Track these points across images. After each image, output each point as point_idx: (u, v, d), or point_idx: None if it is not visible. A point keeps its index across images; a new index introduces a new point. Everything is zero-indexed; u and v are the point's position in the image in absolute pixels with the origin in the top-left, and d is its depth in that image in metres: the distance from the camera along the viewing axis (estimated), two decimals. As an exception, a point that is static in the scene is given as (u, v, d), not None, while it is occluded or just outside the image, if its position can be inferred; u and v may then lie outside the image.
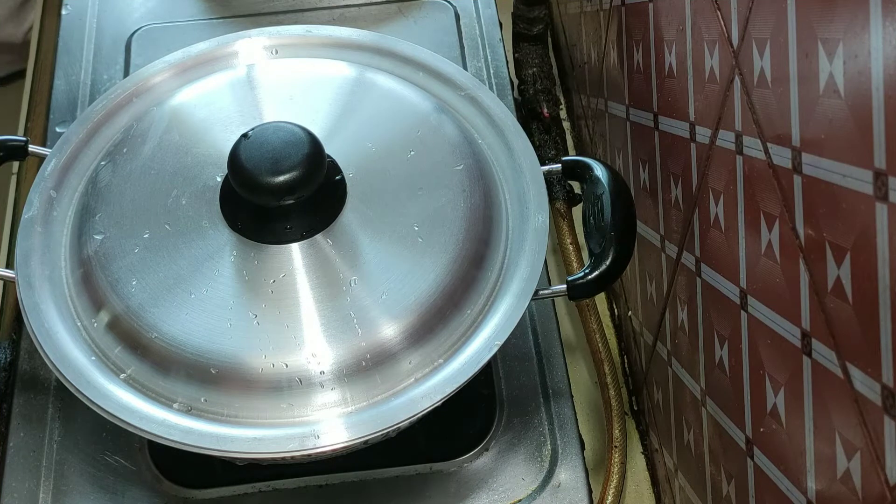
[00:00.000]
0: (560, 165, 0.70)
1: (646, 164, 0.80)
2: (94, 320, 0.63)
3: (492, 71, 0.93)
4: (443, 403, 0.60)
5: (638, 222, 0.73)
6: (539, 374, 0.77)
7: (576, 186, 0.98)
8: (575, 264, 0.95)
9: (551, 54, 1.10)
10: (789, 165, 0.51)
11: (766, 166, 0.55)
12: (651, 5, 0.75)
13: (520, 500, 0.72)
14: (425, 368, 0.62)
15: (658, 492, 0.87)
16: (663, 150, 0.75)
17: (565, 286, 0.64)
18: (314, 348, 0.61)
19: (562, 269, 0.97)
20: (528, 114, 1.02)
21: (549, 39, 1.09)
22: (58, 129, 0.89)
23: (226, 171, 0.62)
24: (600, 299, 0.99)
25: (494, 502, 0.72)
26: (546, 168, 0.70)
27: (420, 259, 0.63)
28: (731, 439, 0.64)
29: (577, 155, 1.06)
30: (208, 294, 0.62)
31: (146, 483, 0.72)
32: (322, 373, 0.60)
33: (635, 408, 0.92)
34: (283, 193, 0.60)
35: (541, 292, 0.64)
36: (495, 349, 0.61)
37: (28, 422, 0.75)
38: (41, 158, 0.72)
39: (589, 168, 0.68)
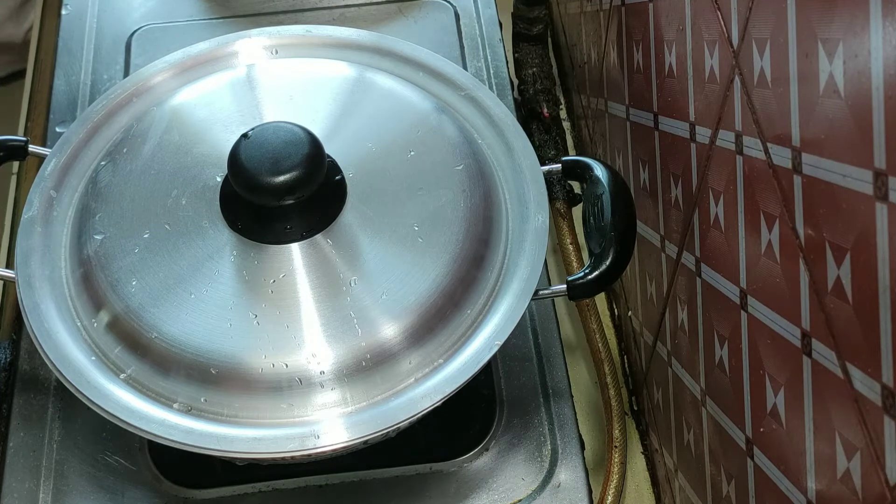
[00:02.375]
0: (560, 165, 0.70)
1: (646, 164, 0.80)
2: (94, 320, 0.63)
3: (492, 71, 0.93)
4: (443, 403, 0.60)
5: (638, 222, 0.73)
6: (539, 374, 0.77)
7: (576, 186, 0.98)
8: (575, 264, 0.95)
9: (551, 54, 1.10)
10: (789, 165, 0.51)
11: (766, 166, 0.55)
12: (651, 5, 0.75)
13: (520, 500, 0.72)
14: (425, 368, 0.62)
15: (658, 492, 0.87)
16: (663, 150, 0.75)
17: (565, 286, 0.64)
18: (314, 348, 0.61)
19: (562, 269, 0.97)
20: (528, 114, 1.02)
21: (549, 39, 1.09)
22: (58, 129, 0.89)
23: (226, 171, 0.62)
24: (600, 299, 0.99)
25: (494, 502, 0.72)
26: (546, 168, 0.70)
27: (420, 259, 0.63)
28: (731, 439, 0.64)
29: (577, 155, 1.06)
30: (208, 294, 0.62)
31: (146, 483, 0.72)
32: (322, 373, 0.60)
33: (635, 408, 0.92)
34: (283, 193, 0.60)
35: (541, 292, 0.64)
36: (495, 349, 0.61)
37: (28, 422, 0.75)
38: (41, 158, 0.72)
39: (589, 168, 0.68)
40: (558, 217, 0.96)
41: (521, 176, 0.69)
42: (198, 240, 0.64)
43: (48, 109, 0.91)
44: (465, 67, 0.92)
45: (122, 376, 0.62)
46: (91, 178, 0.69)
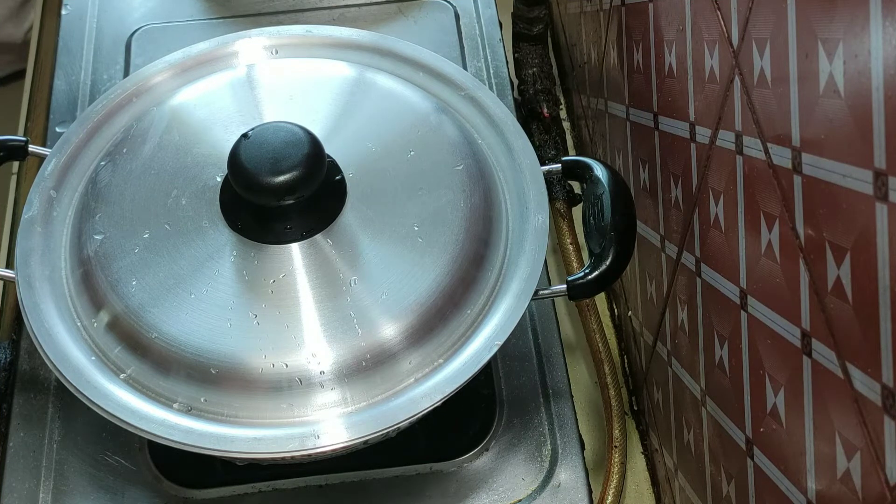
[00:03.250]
0: (560, 165, 0.70)
1: (646, 164, 0.80)
2: (94, 320, 0.63)
3: (492, 71, 0.93)
4: (443, 403, 0.60)
5: (638, 222, 0.73)
6: (539, 374, 0.77)
7: (576, 186, 0.98)
8: (575, 264, 0.95)
9: (551, 54, 1.10)
10: (789, 165, 0.51)
11: (766, 166, 0.55)
12: (651, 5, 0.75)
13: (520, 500, 0.72)
14: (425, 368, 0.62)
15: (658, 492, 0.87)
16: (663, 150, 0.75)
17: (565, 286, 0.64)
18: (314, 348, 0.61)
19: (562, 269, 0.97)
20: (528, 114, 1.02)
21: (549, 39, 1.09)
22: (58, 129, 0.89)
23: (226, 171, 0.62)
24: (600, 299, 0.99)
25: (494, 502, 0.72)
26: (546, 168, 0.70)
27: (420, 259, 0.63)
28: (731, 439, 0.64)
29: (577, 155, 1.06)
30: (208, 294, 0.62)
31: (146, 483, 0.72)
32: (322, 373, 0.60)
33: (635, 408, 0.92)
34: (283, 193, 0.60)
35: (541, 292, 0.64)
36: (495, 349, 0.61)
37: (28, 422, 0.75)
38: (41, 158, 0.72)
39: (589, 168, 0.68)
40: (558, 217, 0.96)
41: (521, 176, 0.69)
42: (198, 240, 0.64)
43: (48, 109, 0.91)
44: (465, 67, 0.92)
45: (122, 376, 0.62)
46: (91, 178, 0.69)
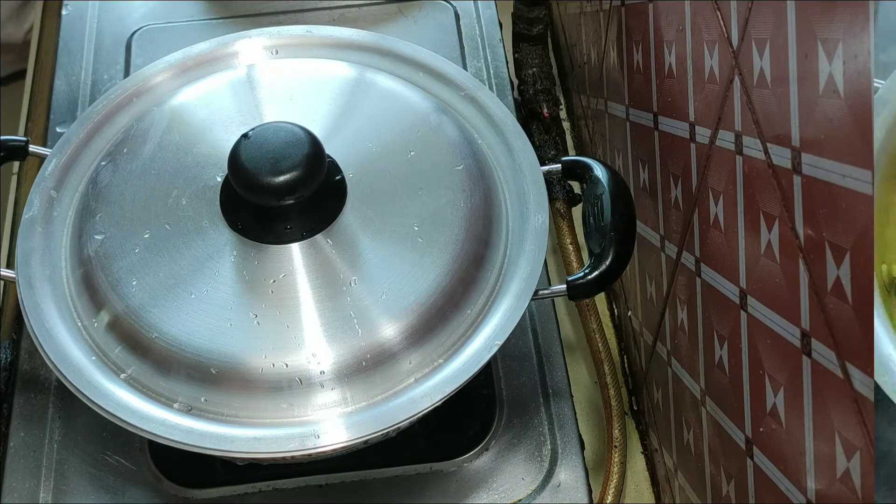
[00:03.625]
0: (560, 165, 0.70)
1: (646, 164, 0.80)
2: (94, 320, 0.63)
3: (492, 71, 0.93)
4: (443, 403, 0.60)
5: (638, 222, 0.73)
6: (539, 374, 0.77)
7: (576, 186, 0.98)
8: (575, 264, 0.95)
9: (551, 54, 1.10)
10: (789, 165, 0.51)
11: (766, 166, 0.55)
12: (651, 5, 0.75)
13: (520, 500, 0.72)
14: (425, 368, 0.62)
15: (658, 492, 0.87)
16: (663, 150, 0.75)
17: (565, 286, 0.64)
18: (314, 348, 0.61)
19: (562, 269, 0.97)
20: (528, 114, 1.02)
21: (549, 39, 1.09)
22: (58, 130, 0.89)
23: (226, 171, 0.62)
24: (600, 299, 0.99)
25: (494, 502, 0.72)
26: (546, 168, 0.70)
27: (420, 259, 0.63)
28: (731, 439, 0.64)
29: (577, 155, 1.06)
30: (209, 294, 0.62)
31: (146, 483, 0.72)
32: (322, 373, 0.60)
33: (635, 408, 0.92)
34: (283, 193, 0.60)
35: (541, 292, 0.64)
36: (495, 349, 0.61)
37: (28, 422, 0.75)
38: (42, 158, 0.72)
39: (589, 168, 0.68)
40: (558, 217, 0.96)
41: (521, 176, 0.69)
42: (198, 240, 0.64)
43: (48, 109, 0.91)
44: (465, 67, 0.92)
45: (122, 376, 0.62)
46: (91, 178, 0.69)
